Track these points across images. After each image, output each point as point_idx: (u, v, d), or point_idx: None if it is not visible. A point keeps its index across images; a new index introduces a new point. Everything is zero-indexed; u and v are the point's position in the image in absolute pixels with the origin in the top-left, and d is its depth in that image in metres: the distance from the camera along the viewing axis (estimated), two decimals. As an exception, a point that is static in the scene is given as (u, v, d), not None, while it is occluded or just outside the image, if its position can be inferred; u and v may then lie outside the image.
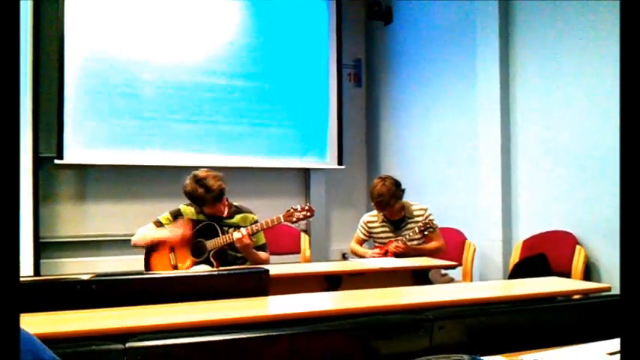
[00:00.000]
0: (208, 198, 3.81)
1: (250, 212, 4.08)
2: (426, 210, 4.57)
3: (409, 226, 4.51)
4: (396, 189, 4.42)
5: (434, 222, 4.43)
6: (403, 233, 4.48)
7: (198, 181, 3.79)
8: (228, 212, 4.01)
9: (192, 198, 3.86)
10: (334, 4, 6.97)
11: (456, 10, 5.76)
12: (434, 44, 6.13)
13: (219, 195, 3.83)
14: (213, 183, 3.78)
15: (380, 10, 7.00)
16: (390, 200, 4.39)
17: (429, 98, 6.20)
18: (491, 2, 5.11)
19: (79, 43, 5.74)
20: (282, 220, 3.89)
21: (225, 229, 3.93)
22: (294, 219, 3.94)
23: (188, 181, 3.84)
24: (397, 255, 4.35)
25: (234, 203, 4.09)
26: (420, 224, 4.34)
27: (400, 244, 4.35)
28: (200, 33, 6.26)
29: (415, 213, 4.55)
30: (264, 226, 3.86)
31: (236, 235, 3.77)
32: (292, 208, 3.95)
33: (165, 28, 6.10)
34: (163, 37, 6.09)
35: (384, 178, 4.47)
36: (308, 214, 3.93)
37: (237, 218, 4.00)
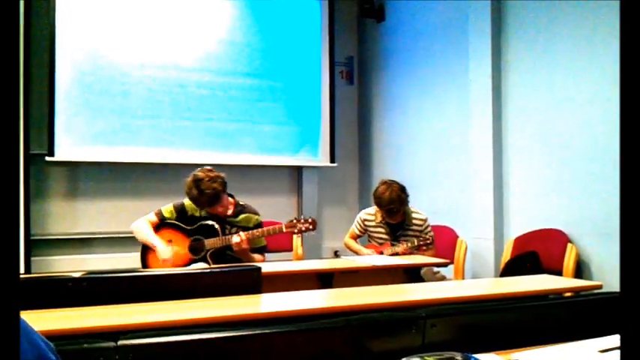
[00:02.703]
0: (202, 201, 3.81)
1: (255, 213, 4.07)
2: (425, 221, 4.57)
3: (406, 232, 4.52)
4: (404, 195, 4.42)
5: (431, 234, 4.44)
6: (401, 240, 4.47)
7: (196, 181, 3.77)
8: (233, 211, 4.01)
9: (190, 197, 3.86)
10: (327, 2, 6.96)
11: (448, 8, 5.76)
12: (426, 42, 6.14)
13: (212, 198, 3.80)
14: (207, 186, 3.74)
15: (372, 8, 6.99)
16: (400, 208, 4.40)
17: (421, 96, 6.20)
18: (484, 1, 5.11)
19: (70, 40, 5.71)
20: (284, 229, 3.91)
21: (228, 227, 3.93)
22: (296, 230, 3.94)
23: (188, 180, 3.82)
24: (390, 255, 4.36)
25: (241, 202, 4.09)
26: (421, 241, 4.32)
27: (399, 250, 4.35)
28: (192, 31, 6.24)
29: (414, 222, 4.55)
30: (265, 233, 3.87)
31: (234, 239, 3.78)
32: (295, 219, 3.96)
33: (157, 26, 6.08)
34: (155, 34, 6.07)
35: (389, 184, 4.44)
36: (310, 227, 3.93)
37: (240, 218, 4.00)
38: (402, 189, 4.44)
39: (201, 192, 3.75)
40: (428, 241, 4.30)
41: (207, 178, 3.76)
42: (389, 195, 4.37)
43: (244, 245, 3.78)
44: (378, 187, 4.50)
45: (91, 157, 5.82)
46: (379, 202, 4.44)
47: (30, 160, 5.53)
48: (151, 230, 3.91)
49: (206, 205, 3.85)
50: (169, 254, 3.83)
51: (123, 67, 5.92)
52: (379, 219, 4.58)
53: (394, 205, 4.36)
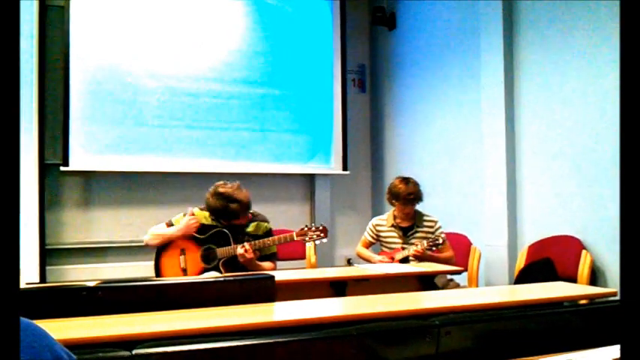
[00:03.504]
0: (241, 212, 3.85)
1: (265, 220, 4.08)
2: (435, 223, 4.59)
3: (418, 235, 4.52)
4: (419, 188, 4.54)
5: (443, 235, 4.43)
6: (411, 242, 4.47)
7: (227, 197, 3.79)
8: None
9: (224, 213, 3.86)
10: (338, 10, 6.99)
11: (459, 15, 5.76)
12: (438, 49, 6.14)
13: (249, 206, 3.88)
14: (243, 196, 3.82)
15: (384, 16, 7.00)
16: (417, 196, 4.49)
17: (433, 103, 6.20)
18: (495, 5, 5.11)
19: (84, 50, 5.76)
20: (295, 237, 3.91)
21: (240, 236, 3.93)
22: (307, 238, 3.94)
23: (212, 198, 3.84)
24: (403, 260, 4.35)
25: (250, 210, 4.10)
26: (430, 241, 4.30)
27: (409, 253, 4.34)
28: (205, 40, 6.27)
29: (425, 224, 4.56)
30: (276, 242, 3.87)
31: (239, 250, 3.78)
32: (306, 226, 3.96)
33: (170, 36, 6.12)
34: (168, 44, 6.11)
35: (406, 178, 4.56)
36: (322, 234, 3.93)
37: (251, 226, 4.00)
38: (418, 184, 4.57)
39: (240, 203, 3.81)
40: (438, 241, 4.27)
41: (235, 190, 3.83)
42: (405, 185, 4.48)
43: (249, 255, 3.77)
44: (392, 182, 4.59)
45: (106, 166, 5.86)
46: (397, 192, 4.50)
47: (45, 170, 5.58)
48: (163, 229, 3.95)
49: (243, 215, 3.89)
50: (186, 220, 3.89)
51: (136, 77, 5.96)
52: (390, 223, 4.61)
53: (411, 193, 4.44)
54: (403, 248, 4.45)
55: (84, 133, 5.76)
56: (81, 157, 5.74)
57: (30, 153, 5.29)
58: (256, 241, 3.84)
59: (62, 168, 5.65)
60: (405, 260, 4.36)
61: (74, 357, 1.10)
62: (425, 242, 4.28)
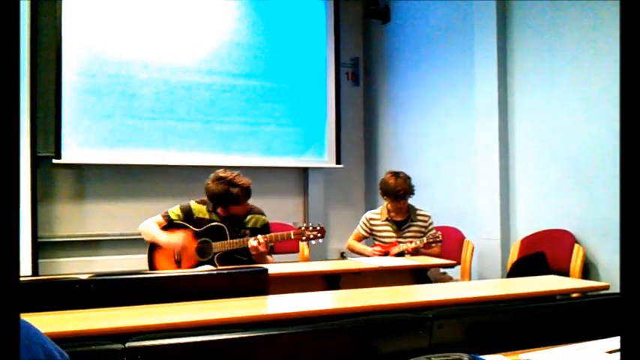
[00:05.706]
0: (242, 196, 3.85)
1: (262, 213, 4.09)
2: (429, 217, 4.61)
3: (412, 229, 4.53)
4: (410, 182, 4.51)
5: (434, 231, 4.45)
6: (406, 236, 4.48)
7: (229, 182, 3.80)
8: None
9: (225, 198, 3.86)
10: (332, 3, 6.97)
11: (453, 9, 5.76)
12: (431, 43, 6.13)
13: (249, 192, 3.88)
14: (241, 181, 3.82)
15: (378, 9, 7.00)
16: (407, 192, 4.46)
17: (427, 97, 6.20)
18: (489, 1, 5.11)
19: (76, 42, 5.73)
20: (293, 236, 3.92)
21: (237, 229, 3.93)
22: (304, 237, 3.95)
23: (213, 183, 3.84)
24: (398, 254, 4.36)
25: (250, 197, 4.10)
26: (430, 237, 4.30)
27: (406, 248, 4.34)
28: (198, 32, 6.25)
29: (419, 217, 4.58)
30: (274, 239, 3.88)
31: (252, 242, 3.78)
32: (304, 226, 3.98)
33: (162, 28, 6.09)
34: (161, 36, 6.08)
35: (396, 172, 4.54)
36: (319, 235, 3.94)
37: (248, 219, 4.01)
38: (409, 177, 4.54)
39: (241, 187, 3.81)
40: (438, 238, 4.28)
41: (234, 175, 3.84)
42: (395, 181, 4.46)
43: (262, 249, 3.79)
44: (383, 177, 4.59)
45: (98, 159, 5.84)
46: (387, 188, 4.49)
47: (37, 163, 5.55)
48: (158, 228, 3.92)
49: (243, 201, 3.89)
50: (180, 240, 3.86)
51: (129, 70, 5.94)
52: (384, 217, 4.60)
53: (401, 188, 4.42)
54: (399, 242, 4.46)
55: (76, 126, 5.73)
56: (73, 150, 5.71)
57: (22, 145, 5.25)
58: (270, 235, 3.85)
59: (55, 160, 5.63)
60: (400, 254, 4.36)
61: (66, 355, 1.10)
62: (425, 239, 4.29)
